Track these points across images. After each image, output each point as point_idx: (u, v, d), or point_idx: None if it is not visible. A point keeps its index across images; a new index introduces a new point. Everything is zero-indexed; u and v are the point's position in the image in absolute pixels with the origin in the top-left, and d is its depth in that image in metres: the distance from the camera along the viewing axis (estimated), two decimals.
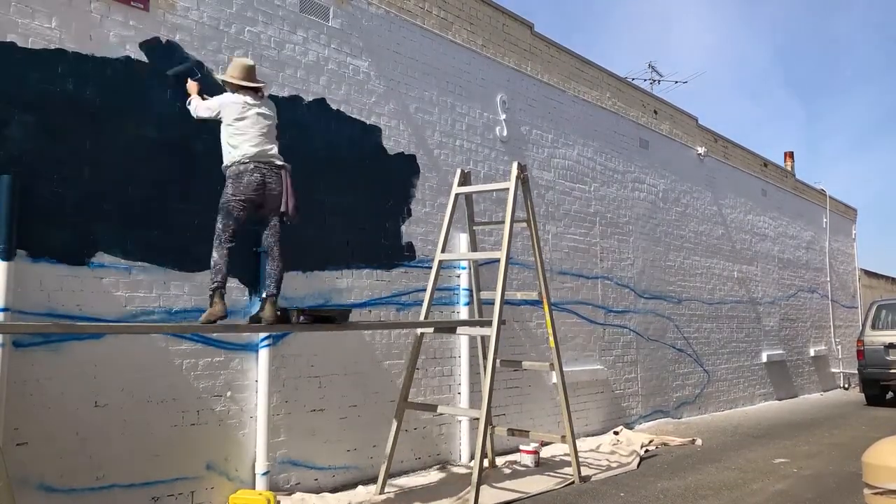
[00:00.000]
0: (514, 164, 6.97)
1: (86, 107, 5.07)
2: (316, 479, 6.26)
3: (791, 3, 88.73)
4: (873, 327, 13.77)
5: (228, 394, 5.73)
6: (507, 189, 6.91)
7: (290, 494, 5.92)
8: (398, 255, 7.27)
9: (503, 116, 8.76)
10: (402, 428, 6.60)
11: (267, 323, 5.01)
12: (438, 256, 7.00)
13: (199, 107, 5.26)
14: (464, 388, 7.72)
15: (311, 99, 6.59)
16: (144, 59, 5.43)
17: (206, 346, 5.62)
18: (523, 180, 7.05)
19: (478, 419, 6.17)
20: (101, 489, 4.92)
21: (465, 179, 7.30)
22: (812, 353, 16.90)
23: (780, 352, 15.31)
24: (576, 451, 6.89)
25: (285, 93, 6.39)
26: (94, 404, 4.94)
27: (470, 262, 7.62)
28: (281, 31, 6.42)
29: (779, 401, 14.77)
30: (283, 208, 4.95)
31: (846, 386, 17.70)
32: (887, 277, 25.15)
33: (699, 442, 9.08)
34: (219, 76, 5.50)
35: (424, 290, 7.02)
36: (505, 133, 8.74)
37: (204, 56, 5.80)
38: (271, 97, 6.26)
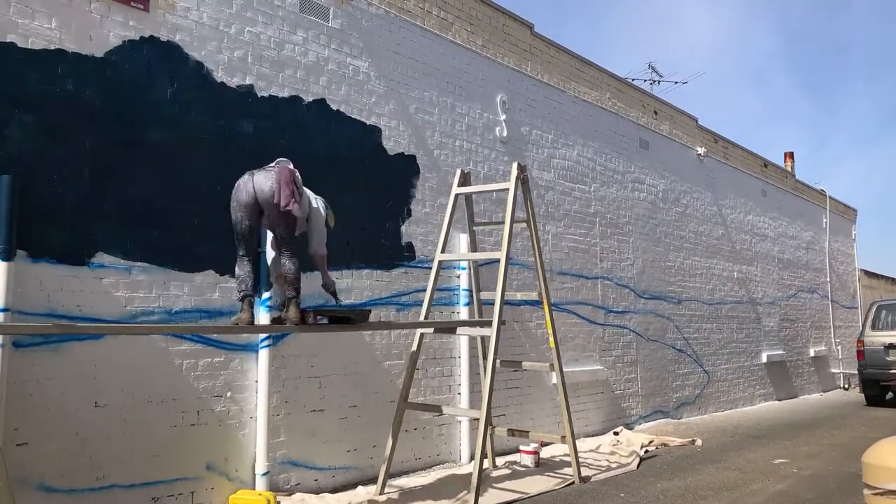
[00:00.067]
0: (514, 165, 6.97)
1: (86, 107, 5.07)
2: (316, 480, 6.26)
3: (792, 2, 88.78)
4: (873, 327, 13.76)
5: (228, 394, 5.73)
6: (507, 189, 6.91)
7: (290, 495, 5.92)
8: (398, 255, 7.27)
9: (503, 117, 8.76)
10: (402, 428, 6.60)
11: (292, 324, 4.99)
12: (438, 257, 7.00)
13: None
14: (464, 389, 7.72)
15: (311, 99, 6.59)
16: (144, 59, 5.43)
17: (206, 346, 5.62)
18: (523, 180, 7.05)
19: (478, 419, 6.17)
20: (101, 489, 4.92)
21: (465, 180, 7.30)
22: (812, 354, 16.90)
23: (780, 352, 15.31)
24: (576, 452, 6.89)
25: (285, 93, 6.39)
26: (94, 404, 4.94)
27: (470, 263, 7.62)
28: (281, 31, 6.42)
29: (779, 401, 14.77)
30: (275, 199, 4.73)
31: (846, 386, 17.70)
32: (887, 277, 25.15)
33: (699, 442, 9.08)
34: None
35: (424, 290, 7.02)
36: (505, 133, 8.75)
37: (204, 56, 5.81)
38: (271, 98, 6.27)
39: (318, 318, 5.13)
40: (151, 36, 5.49)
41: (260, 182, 4.80)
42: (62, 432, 4.76)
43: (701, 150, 13.17)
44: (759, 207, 15.35)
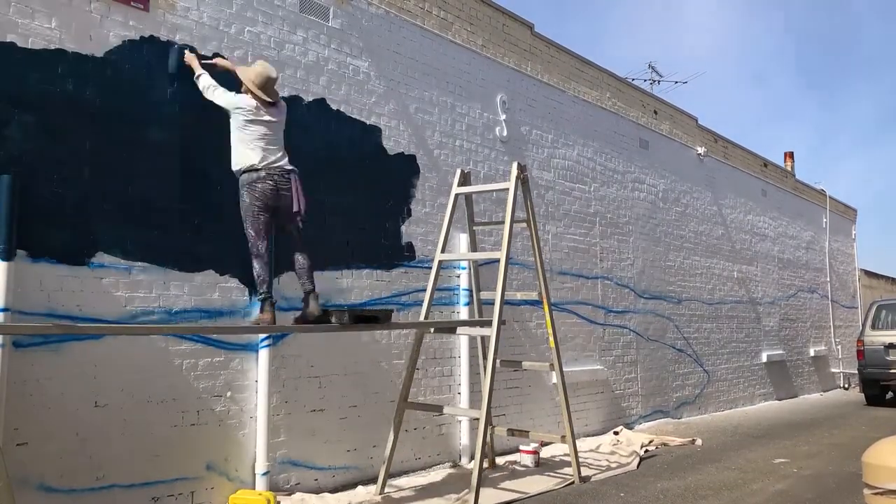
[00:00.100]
0: (514, 165, 6.97)
1: (86, 107, 5.07)
2: (316, 480, 6.26)
3: (793, 1, 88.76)
4: (873, 327, 13.77)
5: (228, 394, 5.73)
6: (507, 189, 6.91)
7: (290, 494, 5.92)
8: (398, 255, 7.27)
9: (503, 116, 8.76)
10: (402, 428, 6.60)
11: (314, 317, 5.32)
12: (438, 256, 7.00)
13: (217, 93, 5.39)
14: (464, 388, 7.73)
15: (311, 99, 6.59)
16: (144, 59, 5.43)
17: (206, 346, 5.62)
18: (523, 180, 7.05)
19: (478, 419, 6.17)
20: (101, 489, 4.92)
21: (465, 179, 7.30)
22: (812, 354, 16.90)
23: (780, 352, 15.32)
24: (576, 452, 6.89)
25: (285, 93, 6.38)
26: (94, 404, 4.94)
27: (470, 263, 7.62)
28: (281, 31, 6.42)
29: (779, 401, 14.77)
30: (295, 208, 5.22)
31: (846, 386, 17.70)
32: (887, 277, 25.15)
33: (699, 442, 9.08)
34: (238, 71, 5.54)
35: (424, 290, 7.02)
36: (505, 133, 8.75)
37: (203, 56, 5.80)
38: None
39: (345, 318, 5.35)
40: (151, 36, 5.49)
41: (282, 188, 5.30)
42: (62, 432, 4.76)
43: (701, 150, 13.17)
44: (759, 207, 15.35)
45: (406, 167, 7.47)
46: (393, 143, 7.34)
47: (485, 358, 7.08)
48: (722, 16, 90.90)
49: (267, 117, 5.34)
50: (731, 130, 63.08)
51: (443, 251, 7.05)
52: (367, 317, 5.59)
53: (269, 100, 5.37)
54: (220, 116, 5.88)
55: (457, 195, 7.23)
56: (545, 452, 7.93)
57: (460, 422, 7.69)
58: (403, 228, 7.35)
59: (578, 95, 10.16)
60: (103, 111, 5.15)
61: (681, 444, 8.93)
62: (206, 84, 5.42)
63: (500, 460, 7.64)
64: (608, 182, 10.58)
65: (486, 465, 7.13)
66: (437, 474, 7.02)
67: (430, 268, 7.06)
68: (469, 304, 7.73)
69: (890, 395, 13.88)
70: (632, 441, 8.82)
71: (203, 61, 5.56)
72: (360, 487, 6.37)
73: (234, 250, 5.84)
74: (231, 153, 5.32)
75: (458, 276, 7.86)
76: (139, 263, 5.28)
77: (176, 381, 5.40)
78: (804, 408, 13.59)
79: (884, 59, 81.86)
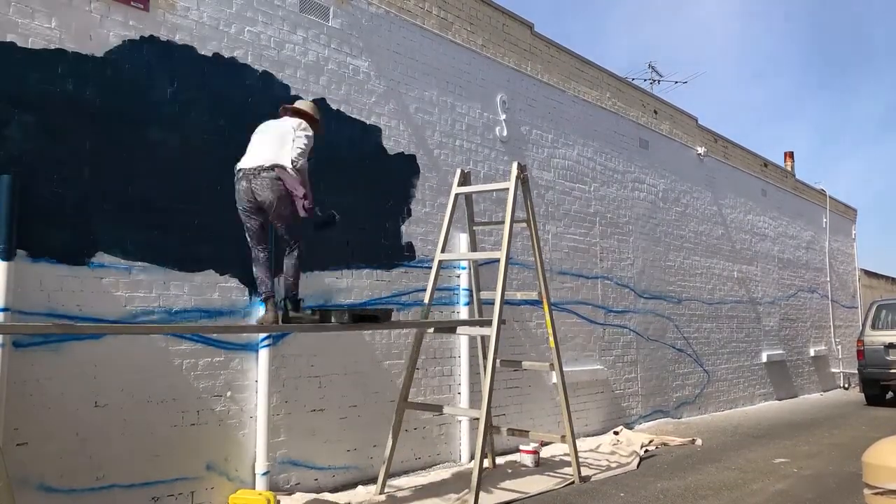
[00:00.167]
0: (514, 164, 6.97)
1: (86, 107, 5.07)
2: (316, 479, 6.26)
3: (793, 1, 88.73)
4: (873, 327, 13.76)
5: (228, 394, 5.73)
6: (507, 189, 6.91)
7: (290, 494, 5.92)
8: (398, 255, 7.27)
9: (503, 116, 8.76)
10: (402, 428, 6.60)
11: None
12: (438, 256, 7.00)
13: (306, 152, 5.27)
14: (464, 388, 7.73)
15: (310, 99, 6.58)
16: (144, 59, 5.43)
17: (206, 346, 5.62)
18: (523, 180, 7.05)
19: (478, 419, 6.17)
20: (101, 489, 4.92)
21: (465, 179, 7.30)
22: (812, 353, 16.90)
23: (780, 352, 15.31)
24: (576, 451, 6.89)
25: (286, 93, 6.38)
26: (94, 404, 4.94)
27: (470, 262, 7.62)
28: (281, 31, 6.42)
29: (779, 401, 14.77)
30: (301, 208, 4.97)
31: (846, 386, 17.70)
32: (887, 277, 25.15)
33: (699, 442, 9.08)
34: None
35: (424, 290, 7.02)
36: (505, 133, 8.74)
37: (204, 55, 5.80)
38: (271, 97, 6.27)
39: (345, 317, 5.30)
40: (151, 36, 5.49)
41: (256, 187, 5.06)
42: (62, 432, 4.76)
43: (701, 150, 13.17)
44: (759, 207, 15.35)
45: (406, 167, 7.47)
46: (393, 143, 7.34)
47: (485, 358, 7.08)
48: (722, 15, 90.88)
49: (266, 125, 5.41)
50: (731, 130, 63.09)
51: (443, 251, 7.05)
52: (367, 316, 5.60)
53: (304, 109, 5.60)
54: (221, 116, 5.89)
55: (457, 195, 7.23)
56: (545, 452, 7.92)
57: (460, 422, 7.69)
58: (403, 228, 7.35)
59: (578, 95, 10.16)
60: (103, 111, 5.16)
61: (681, 444, 8.93)
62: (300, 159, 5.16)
63: (500, 460, 7.64)
64: (608, 182, 10.58)
65: (486, 465, 7.13)
66: (437, 474, 7.02)
67: (430, 268, 7.06)
68: (469, 303, 7.73)
69: (890, 395, 13.88)
70: (632, 441, 8.82)
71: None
72: (360, 487, 6.37)
73: (234, 250, 5.84)
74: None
75: (458, 276, 7.86)
76: (139, 263, 5.28)
77: (176, 381, 5.40)
78: (804, 408, 13.59)
79: (884, 59, 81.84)
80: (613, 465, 7.65)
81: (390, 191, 7.26)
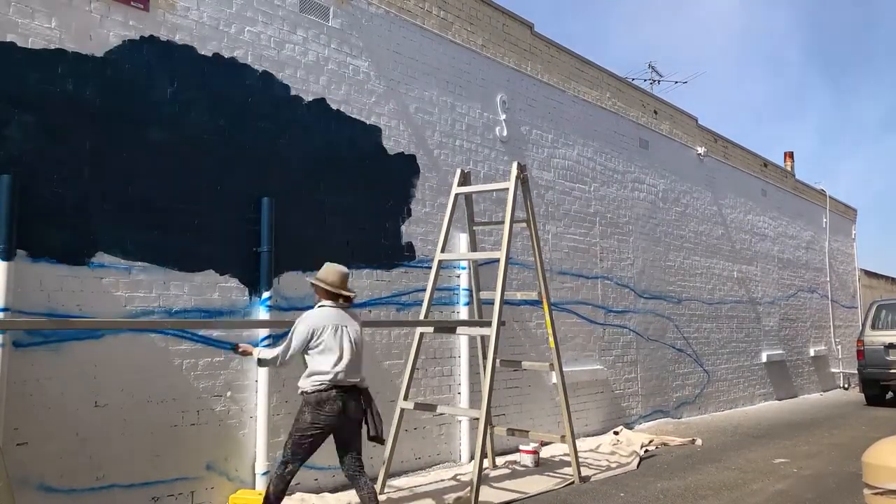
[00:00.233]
0: (514, 164, 6.97)
1: (86, 107, 5.07)
2: (316, 479, 6.25)
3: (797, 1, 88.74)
4: (873, 327, 13.76)
5: (228, 394, 5.73)
6: (507, 189, 6.91)
7: (289, 494, 5.91)
8: (398, 255, 7.27)
9: (503, 116, 8.76)
10: (401, 428, 6.59)
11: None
12: (438, 256, 7.00)
13: (290, 351, 4.74)
14: (464, 388, 7.73)
15: (310, 99, 6.59)
16: (144, 59, 5.43)
17: (206, 346, 5.62)
18: (523, 180, 7.05)
19: (478, 419, 6.17)
20: (101, 489, 4.92)
21: (464, 179, 7.30)
22: (812, 353, 16.90)
23: (780, 352, 15.31)
24: (576, 451, 6.89)
25: (285, 93, 6.39)
26: (94, 404, 4.94)
27: (470, 262, 7.62)
28: (281, 31, 6.42)
29: (779, 401, 14.77)
30: (372, 433, 4.82)
31: (846, 386, 17.70)
32: (887, 277, 25.15)
33: (699, 442, 9.08)
34: (308, 278, 5.23)
35: (424, 290, 7.02)
36: (505, 133, 8.74)
37: (204, 55, 5.80)
38: (271, 97, 6.27)
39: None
40: (151, 36, 5.49)
41: (350, 406, 4.79)
42: (62, 432, 4.76)
43: (701, 150, 13.17)
44: (759, 207, 15.35)
45: (406, 167, 7.47)
46: (393, 143, 7.34)
47: (485, 358, 7.08)
48: (722, 15, 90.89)
49: (339, 327, 4.80)
50: (731, 130, 63.11)
51: (443, 251, 7.05)
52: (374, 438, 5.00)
53: (345, 293, 4.90)
54: (220, 116, 5.89)
55: (457, 195, 7.23)
56: (545, 452, 7.92)
57: (460, 422, 7.69)
58: (403, 228, 7.35)
59: (578, 95, 10.16)
60: (103, 111, 5.16)
61: (681, 444, 8.93)
62: (273, 354, 4.83)
63: (500, 460, 7.64)
64: (608, 182, 10.58)
65: (486, 464, 7.13)
66: (437, 474, 7.02)
67: (430, 268, 7.06)
68: (469, 303, 7.73)
69: (890, 394, 13.87)
70: (632, 441, 8.82)
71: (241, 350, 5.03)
72: None
73: (234, 250, 5.85)
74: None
75: (458, 276, 7.86)
76: (139, 263, 5.28)
77: (176, 381, 5.40)
78: (804, 408, 13.59)
79: (885, 59, 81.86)
80: (613, 465, 7.65)
81: (390, 191, 7.26)
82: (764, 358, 14.54)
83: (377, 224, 7.08)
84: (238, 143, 5.98)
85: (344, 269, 4.99)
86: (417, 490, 6.45)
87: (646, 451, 8.43)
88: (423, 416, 7.24)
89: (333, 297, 4.88)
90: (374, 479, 6.39)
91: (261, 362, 4.95)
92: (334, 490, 6.27)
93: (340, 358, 4.72)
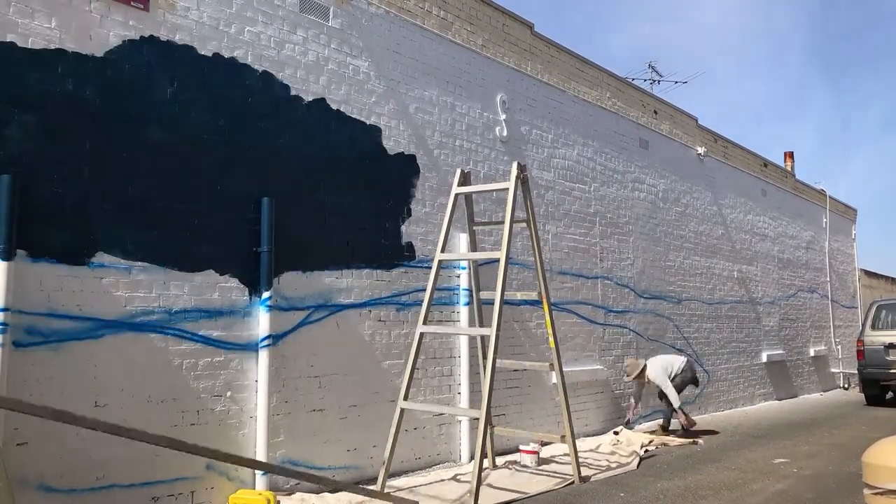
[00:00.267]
0: (514, 164, 6.97)
1: (86, 107, 5.07)
2: None
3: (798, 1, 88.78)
4: (873, 327, 13.76)
5: (228, 394, 5.73)
6: (507, 189, 6.91)
7: (290, 494, 5.92)
8: (398, 255, 7.27)
9: (503, 116, 8.76)
10: (402, 428, 6.59)
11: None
12: (438, 256, 7.00)
13: None
14: (464, 388, 7.73)
15: (310, 99, 6.59)
16: (144, 59, 5.44)
17: (206, 346, 5.62)
18: (523, 180, 7.05)
19: (478, 419, 6.17)
20: (101, 489, 4.92)
21: (464, 179, 7.30)
22: (812, 353, 16.90)
23: (780, 352, 15.32)
24: (576, 451, 6.89)
25: (286, 93, 6.39)
26: (94, 404, 4.94)
27: (470, 262, 7.62)
28: (281, 30, 6.42)
29: (779, 401, 14.77)
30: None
31: (846, 386, 17.70)
32: (887, 277, 25.15)
33: (701, 442, 9.08)
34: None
35: (424, 290, 7.01)
36: (505, 133, 8.75)
37: (204, 55, 5.81)
38: (271, 97, 6.27)
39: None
40: (151, 36, 5.49)
41: None
42: (62, 432, 4.75)
43: (701, 150, 13.17)
44: (759, 207, 15.35)
45: (406, 167, 7.47)
46: (393, 143, 7.34)
47: (485, 358, 7.08)
48: (722, 14, 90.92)
49: None
50: (731, 130, 63.09)
51: (443, 251, 7.04)
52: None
53: None
54: (220, 116, 5.89)
55: (457, 195, 7.23)
56: (545, 452, 7.92)
57: (460, 422, 7.69)
58: (403, 228, 7.35)
59: (578, 95, 10.16)
60: (103, 111, 5.16)
61: (680, 445, 8.93)
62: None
63: (500, 460, 7.64)
64: (608, 182, 10.58)
65: (486, 464, 7.13)
66: (437, 474, 7.02)
67: (430, 268, 7.06)
68: (469, 303, 7.73)
69: (890, 395, 13.88)
70: (632, 441, 8.81)
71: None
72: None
73: (234, 250, 5.85)
74: None
75: (458, 276, 7.87)
76: (139, 263, 5.28)
77: (176, 381, 5.40)
78: (804, 408, 13.59)
79: (885, 59, 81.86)
80: (613, 465, 7.65)
81: (390, 191, 7.26)
82: (764, 358, 14.55)
83: (377, 224, 7.08)
84: (238, 143, 5.98)
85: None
86: (417, 490, 6.44)
87: (646, 451, 8.43)
88: (423, 416, 7.24)
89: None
90: (375, 479, 6.40)
91: None
92: (334, 490, 6.27)
93: None
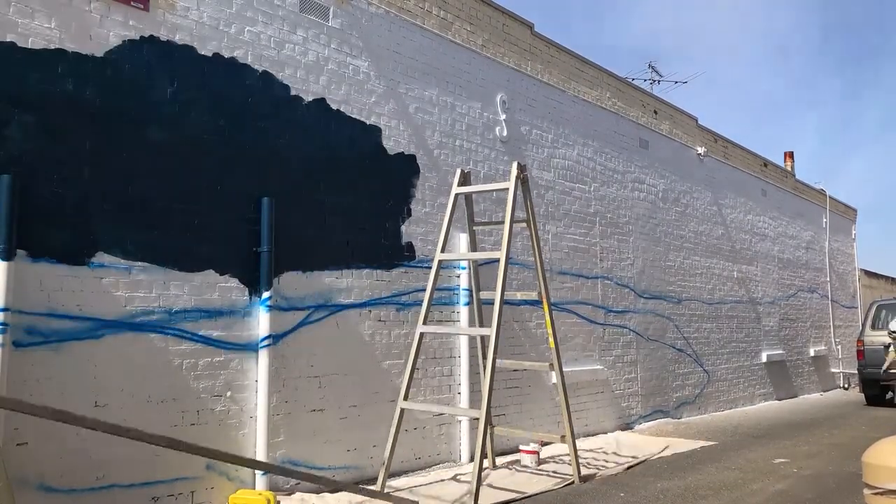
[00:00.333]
0: (514, 164, 6.97)
1: (86, 107, 5.07)
2: None
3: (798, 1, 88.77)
4: (873, 327, 13.77)
5: (228, 394, 5.73)
6: (507, 189, 6.91)
7: (290, 494, 5.92)
8: (398, 255, 7.27)
9: (503, 116, 8.76)
10: (402, 428, 6.59)
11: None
12: (438, 256, 7.00)
13: None
14: (464, 388, 7.73)
15: (310, 99, 6.59)
16: (144, 59, 5.44)
17: (206, 346, 5.62)
18: (523, 180, 7.05)
19: (478, 419, 6.17)
20: (101, 489, 4.92)
21: (464, 179, 7.30)
22: (812, 353, 16.91)
23: (780, 352, 15.32)
24: (576, 451, 6.89)
25: (286, 93, 6.39)
26: (94, 404, 4.94)
27: (470, 262, 7.62)
28: (281, 30, 6.42)
29: (779, 401, 14.77)
30: None
31: (846, 386, 17.70)
32: (887, 277, 25.15)
33: (713, 443, 9.05)
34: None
35: (424, 289, 7.01)
36: (505, 133, 8.75)
37: (204, 55, 5.81)
38: (271, 97, 6.27)
39: None
40: (151, 36, 5.49)
41: None
42: (62, 432, 4.75)
43: (701, 150, 13.17)
44: (759, 207, 15.35)
45: (406, 167, 7.47)
46: (393, 143, 7.34)
47: (485, 358, 7.07)
48: (722, 14, 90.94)
49: None
50: (731, 130, 63.06)
51: (443, 251, 7.04)
52: None
53: None
54: (221, 116, 5.89)
55: (457, 195, 7.23)
56: (545, 452, 7.92)
57: (460, 422, 7.69)
58: (403, 228, 7.35)
59: (578, 95, 10.16)
60: (103, 111, 5.16)
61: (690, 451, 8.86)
62: None
63: (500, 460, 7.64)
64: (608, 182, 10.58)
65: (486, 465, 7.13)
66: (437, 474, 7.02)
67: (430, 268, 7.06)
68: (469, 303, 7.73)
69: (890, 395, 13.88)
70: (638, 446, 8.72)
71: None
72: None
73: (234, 250, 5.85)
74: None
75: (458, 276, 7.87)
76: (139, 263, 5.28)
77: (176, 381, 5.40)
78: (804, 408, 13.59)
79: (885, 59, 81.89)
80: (613, 465, 7.64)
81: (390, 191, 7.26)
82: (764, 358, 14.55)
83: (377, 224, 7.08)
84: (238, 143, 5.98)
85: None
86: (417, 490, 6.44)
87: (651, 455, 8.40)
88: (423, 416, 7.24)
89: None
90: (375, 479, 6.40)
91: None
92: (334, 490, 6.27)
93: None
